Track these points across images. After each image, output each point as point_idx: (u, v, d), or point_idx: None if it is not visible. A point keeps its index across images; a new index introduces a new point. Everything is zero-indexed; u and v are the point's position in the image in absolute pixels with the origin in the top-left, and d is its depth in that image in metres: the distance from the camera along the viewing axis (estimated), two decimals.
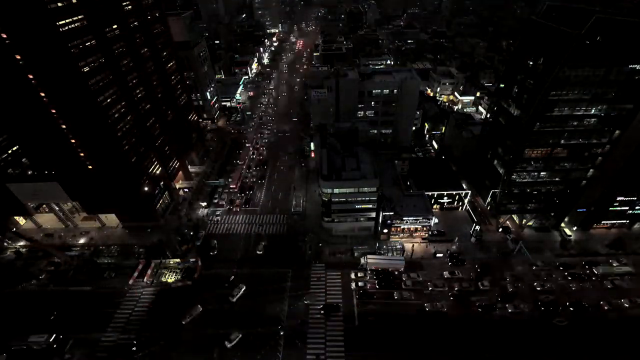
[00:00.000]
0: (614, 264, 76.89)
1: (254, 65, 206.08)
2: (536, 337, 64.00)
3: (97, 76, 68.51)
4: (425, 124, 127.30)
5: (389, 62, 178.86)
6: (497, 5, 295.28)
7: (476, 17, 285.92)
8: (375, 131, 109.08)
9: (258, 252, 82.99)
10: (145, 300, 72.45)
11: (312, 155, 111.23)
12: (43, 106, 67.55)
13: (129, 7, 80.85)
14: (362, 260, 77.16)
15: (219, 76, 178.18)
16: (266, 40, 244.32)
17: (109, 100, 71.70)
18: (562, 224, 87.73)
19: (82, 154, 75.26)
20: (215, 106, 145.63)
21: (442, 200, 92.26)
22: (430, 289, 73.17)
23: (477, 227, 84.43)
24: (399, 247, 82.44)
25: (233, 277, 76.53)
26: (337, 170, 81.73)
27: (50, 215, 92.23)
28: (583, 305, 68.55)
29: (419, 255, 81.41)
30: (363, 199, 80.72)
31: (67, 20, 61.00)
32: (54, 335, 64.78)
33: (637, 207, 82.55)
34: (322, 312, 69.05)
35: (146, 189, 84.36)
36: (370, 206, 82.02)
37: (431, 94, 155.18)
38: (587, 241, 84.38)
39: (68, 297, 73.21)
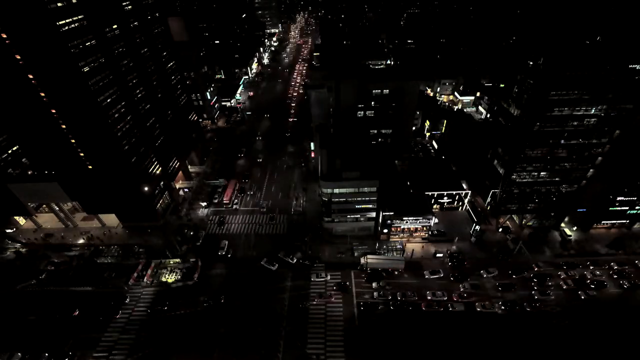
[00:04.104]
0: None
1: (254, 65, 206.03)
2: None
3: (97, 76, 68.48)
4: (426, 124, 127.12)
5: (389, 62, 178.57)
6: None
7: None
8: (375, 131, 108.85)
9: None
10: (146, 300, 72.49)
11: (312, 155, 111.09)
12: (43, 106, 67.52)
13: (129, 7, 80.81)
14: (362, 260, 77.19)
15: (219, 76, 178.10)
16: (266, 40, 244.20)
17: (109, 100, 71.67)
18: (562, 224, 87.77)
19: (82, 154, 75.22)
20: (215, 106, 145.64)
21: (442, 200, 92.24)
22: None
23: (477, 227, 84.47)
24: (399, 247, 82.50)
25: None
26: (337, 170, 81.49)
27: (50, 215, 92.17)
28: None
29: (419, 255, 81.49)
30: (363, 199, 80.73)
31: (67, 20, 60.97)
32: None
33: (637, 207, 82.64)
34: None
35: (146, 189, 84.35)
36: (370, 206, 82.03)
37: (431, 94, 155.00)
38: (587, 241, 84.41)
39: (68, 297, 73.12)
